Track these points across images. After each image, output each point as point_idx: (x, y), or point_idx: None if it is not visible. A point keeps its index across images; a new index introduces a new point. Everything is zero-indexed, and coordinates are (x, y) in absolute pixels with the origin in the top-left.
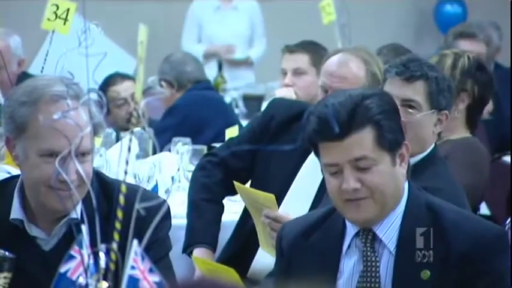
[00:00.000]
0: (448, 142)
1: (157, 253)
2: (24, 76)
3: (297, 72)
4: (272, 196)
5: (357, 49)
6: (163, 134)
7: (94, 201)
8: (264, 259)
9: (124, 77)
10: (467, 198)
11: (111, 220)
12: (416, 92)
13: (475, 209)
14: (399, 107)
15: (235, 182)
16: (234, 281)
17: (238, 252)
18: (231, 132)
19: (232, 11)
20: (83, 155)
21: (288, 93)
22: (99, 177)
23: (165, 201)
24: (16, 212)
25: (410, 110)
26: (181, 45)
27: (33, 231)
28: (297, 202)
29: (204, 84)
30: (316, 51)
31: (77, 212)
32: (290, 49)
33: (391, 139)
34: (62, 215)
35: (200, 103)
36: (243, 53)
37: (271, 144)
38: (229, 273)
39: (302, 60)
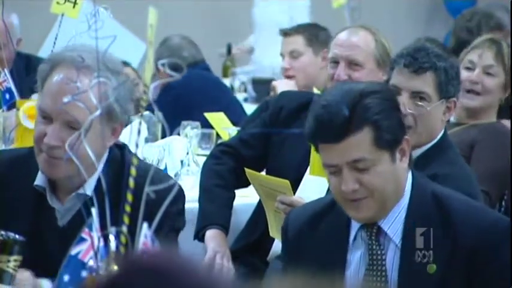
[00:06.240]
0: (475, 126)
1: (164, 228)
2: (18, 56)
3: (293, 55)
4: (287, 182)
5: (363, 25)
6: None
7: (104, 184)
8: None
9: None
10: (495, 182)
11: (123, 202)
12: (426, 83)
13: (503, 193)
14: (408, 99)
15: (246, 169)
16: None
17: (258, 236)
18: (213, 117)
19: None
20: (71, 126)
21: (290, 85)
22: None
23: (178, 184)
24: (40, 179)
25: (420, 103)
26: None
27: (54, 202)
28: (313, 188)
29: (201, 66)
30: (310, 31)
31: (90, 188)
32: (285, 32)
33: (390, 138)
34: (72, 186)
35: (195, 83)
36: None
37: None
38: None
39: (297, 42)
